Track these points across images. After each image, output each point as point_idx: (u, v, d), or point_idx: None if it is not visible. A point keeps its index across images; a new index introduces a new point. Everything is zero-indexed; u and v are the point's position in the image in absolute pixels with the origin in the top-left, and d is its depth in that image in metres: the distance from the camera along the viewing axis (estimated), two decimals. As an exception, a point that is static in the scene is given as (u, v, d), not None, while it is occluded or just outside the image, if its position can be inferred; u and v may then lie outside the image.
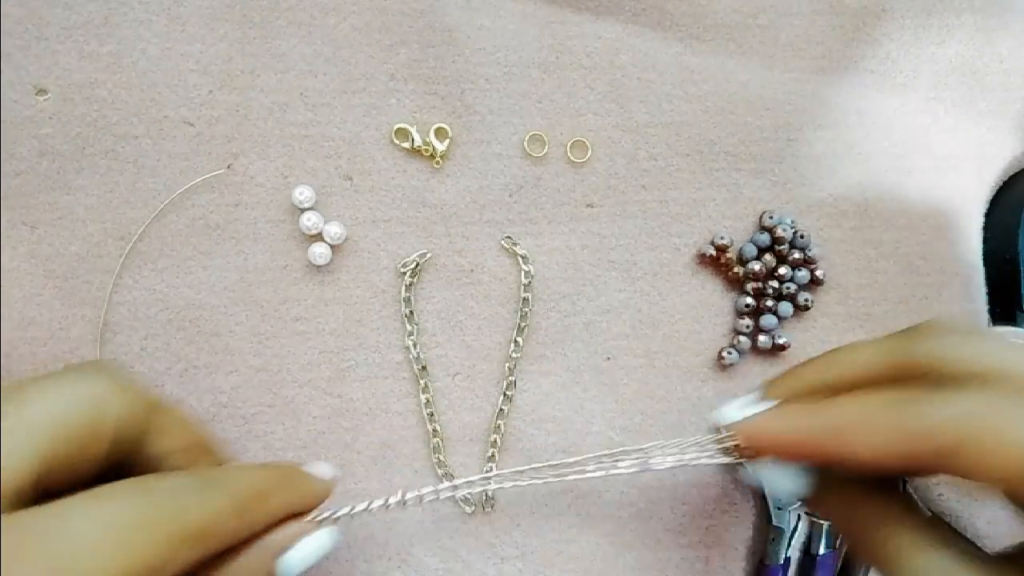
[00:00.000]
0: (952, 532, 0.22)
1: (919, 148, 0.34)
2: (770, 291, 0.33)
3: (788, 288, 0.33)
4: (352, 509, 0.25)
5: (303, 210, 0.31)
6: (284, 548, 0.23)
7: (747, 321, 0.33)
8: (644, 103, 0.33)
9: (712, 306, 0.33)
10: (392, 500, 0.26)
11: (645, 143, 0.33)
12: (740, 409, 0.25)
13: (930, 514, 0.23)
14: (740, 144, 0.33)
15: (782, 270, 0.33)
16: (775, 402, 0.25)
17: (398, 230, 0.31)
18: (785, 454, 0.23)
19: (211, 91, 0.30)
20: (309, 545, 0.23)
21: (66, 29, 0.30)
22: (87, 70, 0.30)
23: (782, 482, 0.25)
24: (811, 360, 0.25)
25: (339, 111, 0.31)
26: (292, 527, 0.23)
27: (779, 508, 0.31)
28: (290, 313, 0.31)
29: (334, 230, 0.30)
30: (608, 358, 0.32)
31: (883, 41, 0.34)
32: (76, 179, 0.30)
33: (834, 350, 0.25)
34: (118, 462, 0.22)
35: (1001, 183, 0.35)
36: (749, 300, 0.32)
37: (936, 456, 0.20)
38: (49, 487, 0.19)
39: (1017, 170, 0.35)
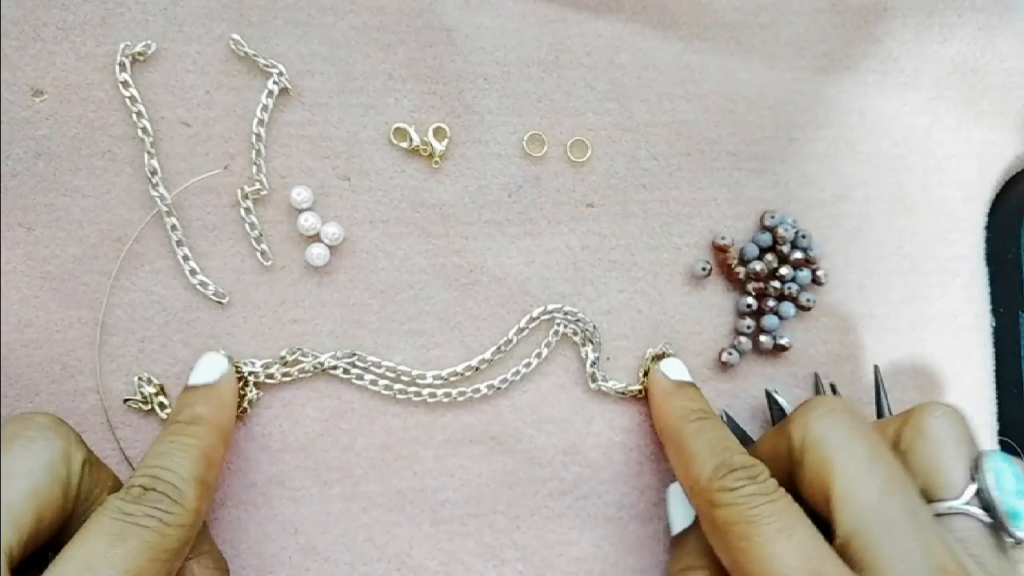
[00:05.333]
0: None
1: (921, 147, 0.34)
2: (772, 291, 0.32)
3: (790, 288, 0.32)
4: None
5: (301, 211, 0.30)
6: None
7: (748, 321, 0.32)
8: (644, 102, 0.33)
9: (713, 306, 0.33)
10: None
11: (645, 142, 0.33)
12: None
13: None
14: (741, 143, 0.33)
15: (784, 270, 0.32)
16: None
17: (396, 230, 0.31)
18: None
19: (208, 91, 0.30)
20: None
21: (63, 30, 0.30)
22: (84, 71, 0.30)
23: (676, 509, 0.30)
24: None
25: (336, 111, 0.31)
26: None
27: None
28: (288, 314, 0.30)
29: (332, 231, 0.30)
30: (608, 359, 0.32)
31: (885, 40, 0.34)
32: (73, 180, 0.29)
33: None
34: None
35: (1003, 182, 0.35)
36: (750, 300, 0.32)
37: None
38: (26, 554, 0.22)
39: (1019, 169, 0.35)
